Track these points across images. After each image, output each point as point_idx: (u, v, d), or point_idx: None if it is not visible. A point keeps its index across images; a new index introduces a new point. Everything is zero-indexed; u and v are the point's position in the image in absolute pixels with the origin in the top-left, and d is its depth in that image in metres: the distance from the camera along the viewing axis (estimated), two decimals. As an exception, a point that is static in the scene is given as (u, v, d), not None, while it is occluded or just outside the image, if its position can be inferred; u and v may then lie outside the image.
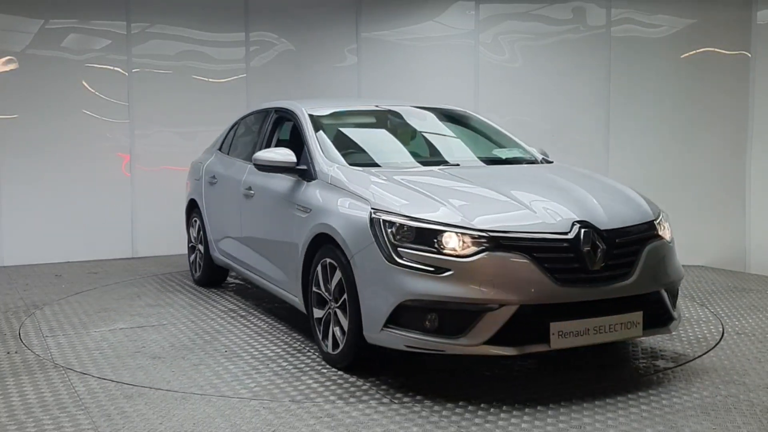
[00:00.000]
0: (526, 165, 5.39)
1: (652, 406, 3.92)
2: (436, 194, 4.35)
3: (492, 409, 3.87)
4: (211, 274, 6.95)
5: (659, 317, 4.32)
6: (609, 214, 4.27)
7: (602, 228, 4.13)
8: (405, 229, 4.08)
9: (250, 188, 5.82)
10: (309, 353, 4.88)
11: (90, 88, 8.47)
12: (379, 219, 4.16)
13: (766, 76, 7.57)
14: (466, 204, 4.26)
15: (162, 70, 8.80)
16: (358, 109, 6.15)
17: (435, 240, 3.99)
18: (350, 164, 5.00)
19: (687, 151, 8.07)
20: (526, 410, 3.87)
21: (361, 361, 4.43)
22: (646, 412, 3.85)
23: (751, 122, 7.70)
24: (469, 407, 3.90)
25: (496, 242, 3.95)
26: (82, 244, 8.45)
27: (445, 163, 5.24)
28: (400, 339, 4.04)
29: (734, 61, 7.83)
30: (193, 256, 7.27)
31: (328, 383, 4.29)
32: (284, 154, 5.16)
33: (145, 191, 8.71)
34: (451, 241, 3.97)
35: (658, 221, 4.48)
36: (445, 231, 4.00)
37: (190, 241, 7.37)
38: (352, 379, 4.35)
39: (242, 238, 6.04)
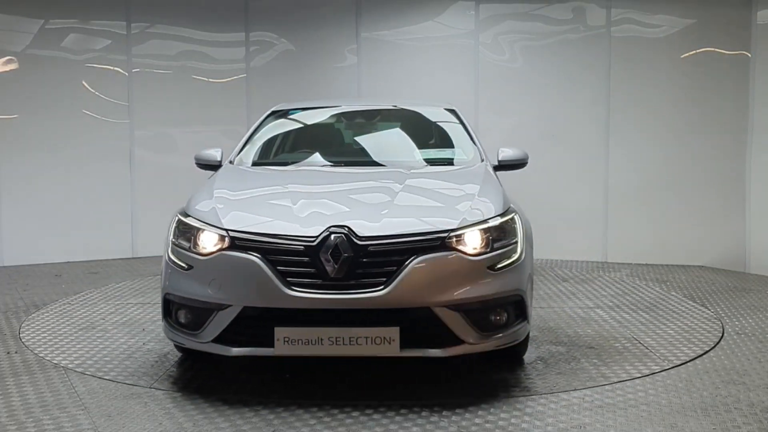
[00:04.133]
0: (424, 168, 5.11)
1: (651, 406, 3.92)
2: (234, 195, 4.48)
3: (492, 409, 3.87)
4: None
5: (435, 337, 3.91)
6: (384, 222, 3.97)
7: (360, 235, 3.87)
8: (180, 226, 4.25)
9: None
10: None
11: (90, 88, 8.47)
12: (176, 216, 4.33)
13: (766, 76, 7.56)
14: (237, 204, 4.35)
15: (162, 70, 8.80)
16: (324, 109, 6.20)
17: (192, 238, 4.12)
18: (256, 163, 5.25)
19: (687, 151, 8.06)
20: (526, 410, 3.87)
21: (183, 353, 4.69)
22: (646, 412, 3.85)
23: (751, 122, 7.70)
24: (469, 407, 3.90)
25: (233, 242, 3.98)
26: (82, 244, 8.44)
27: (340, 163, 5.23)
28: (166, 331, 4.28)
29: (734, 61, 7.82)
30: None
31: (171, 372, 4.51)
32: (211, 152, 5.40)
33: (145, 191, 8.71)
34: (200, 239, 4.08)
35: (456, 233, 3.95)
36: (199, 229, 4.11)
37: None
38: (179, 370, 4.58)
39: None
